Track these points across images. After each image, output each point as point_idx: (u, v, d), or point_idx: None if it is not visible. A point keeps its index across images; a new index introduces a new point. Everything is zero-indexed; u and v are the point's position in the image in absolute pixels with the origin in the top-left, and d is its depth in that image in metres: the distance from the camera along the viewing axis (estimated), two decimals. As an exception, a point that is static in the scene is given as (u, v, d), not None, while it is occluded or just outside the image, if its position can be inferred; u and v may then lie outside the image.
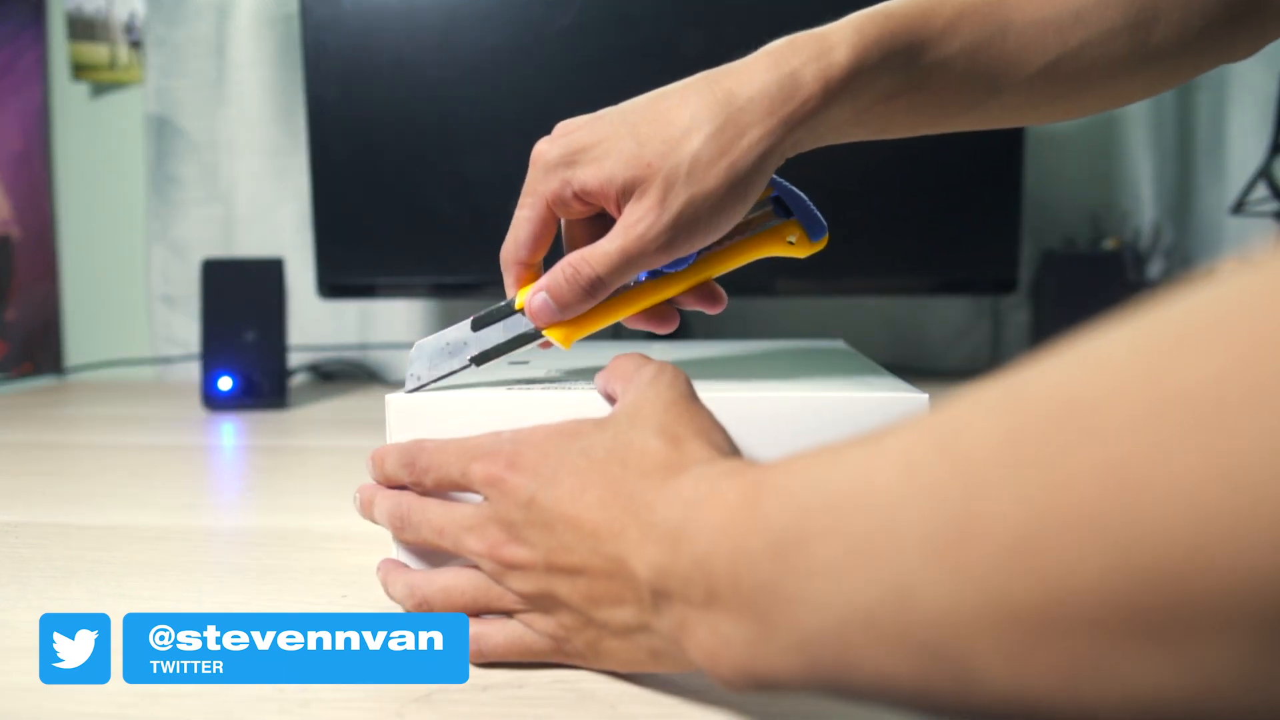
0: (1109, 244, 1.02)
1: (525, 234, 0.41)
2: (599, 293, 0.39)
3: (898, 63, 0.39)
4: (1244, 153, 1.03)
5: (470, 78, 0.89)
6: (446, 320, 1.11)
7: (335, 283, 0.94)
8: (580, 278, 0.39)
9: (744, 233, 0.43)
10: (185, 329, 1.14)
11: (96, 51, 1.14)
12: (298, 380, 1.11)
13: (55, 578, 0.42)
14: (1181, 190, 1.07)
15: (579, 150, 0.39)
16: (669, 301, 0.43)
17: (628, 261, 0.38)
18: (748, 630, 0.23)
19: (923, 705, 0.19)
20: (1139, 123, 1.05)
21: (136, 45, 1.13)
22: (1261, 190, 0.92)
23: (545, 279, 0.40)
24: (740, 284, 0.94)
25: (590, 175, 0.38)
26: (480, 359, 0.42)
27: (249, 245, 1.12)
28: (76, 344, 1.21)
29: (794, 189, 0.44)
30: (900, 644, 0.19)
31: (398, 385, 0.41)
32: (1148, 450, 0.15)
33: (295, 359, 1.10)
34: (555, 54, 0.87)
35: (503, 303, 0.42)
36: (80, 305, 1.20)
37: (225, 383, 0.90)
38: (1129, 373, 0.16)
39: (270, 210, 1.12)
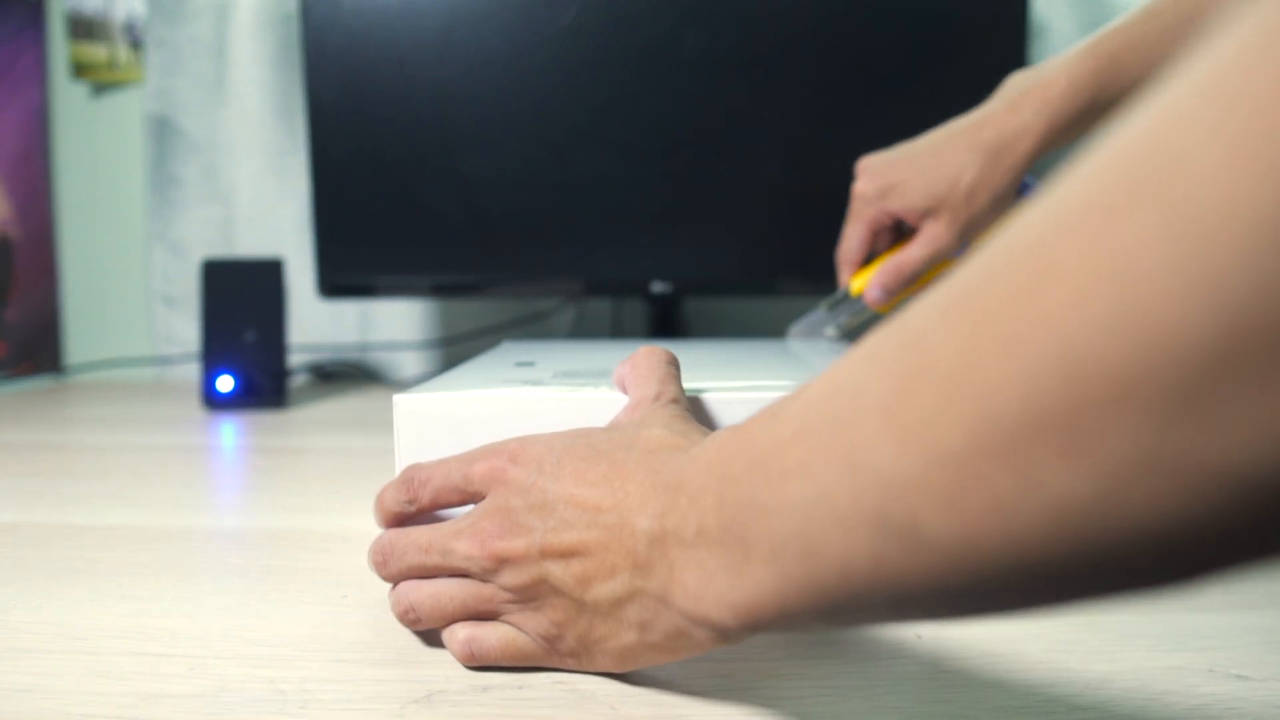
0: None
1: (855, 244, 0.66)
2: (913, 281, 0.64)
3: (1109, 94, 0.56)
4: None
5: (470, 78, 0.89)
6: (447, 320, 1.11)
7: (335, 283, 0.94)
8: (903, 273, 0.63)
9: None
10: (185, 329, 1.14)
11: (96, 51, 1.14)
12: (298, 380, 1.11)
13: (55, 578, 0.42)
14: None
15: (889, 188, 0.63)
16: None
17: (932, 262, 0.63)
18: (727, 556, 0.24)
19: (880, 596, 0.20)
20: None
21: (136, 45, 1.13)
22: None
23: (878, 276, 0.64)
24: (741, 284, 0.94)
25: (899, 205, 0.63)
26: (838, 331, 0.69)
27: (249, 245, 1.12)
28: (76, 344, 1.21)
29: (1037, 184, 0.64)
30: (856, 522, 0.19)
31: (398, 385, 0.41)
32: (1053, 257, 0.16)
33: (295, 359, 1.10)
34: (555, 54, 0.87)
35: (840, 292, 0.68)
36: (80, 305, 1.20)
37: (225, 383, 0.90)
38: (1047, 201, 0.17)
39: (270, 210, 1.12)
